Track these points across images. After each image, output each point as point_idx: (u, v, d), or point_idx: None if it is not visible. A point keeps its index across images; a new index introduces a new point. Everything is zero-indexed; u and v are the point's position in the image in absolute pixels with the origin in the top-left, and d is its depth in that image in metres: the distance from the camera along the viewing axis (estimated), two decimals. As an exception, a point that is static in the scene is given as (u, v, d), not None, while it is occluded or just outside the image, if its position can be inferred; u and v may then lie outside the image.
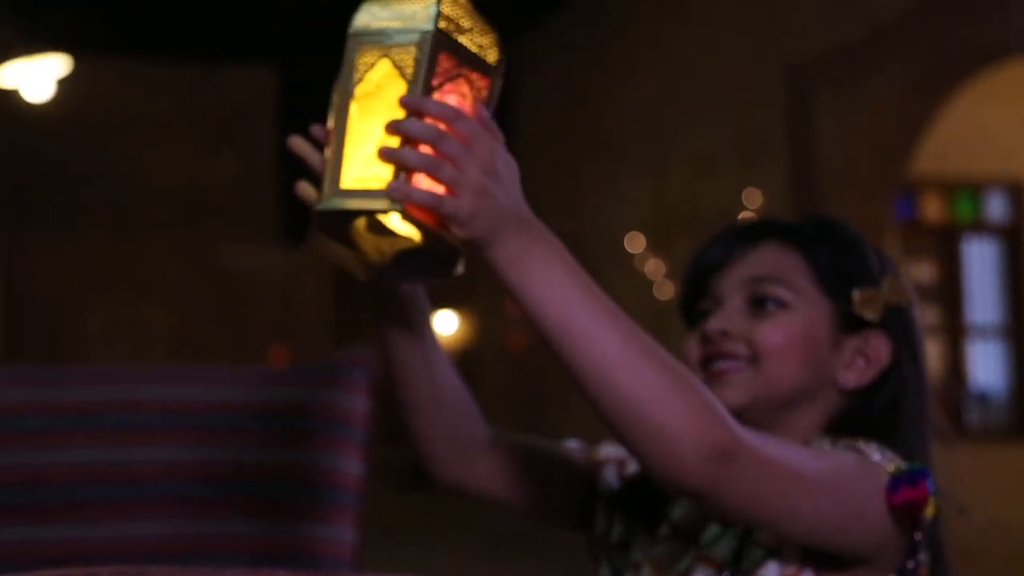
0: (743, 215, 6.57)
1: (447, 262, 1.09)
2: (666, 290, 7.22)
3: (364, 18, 1.05)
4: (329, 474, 1.55)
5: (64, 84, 6.86)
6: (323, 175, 1.06)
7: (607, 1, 8.44)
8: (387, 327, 1.23)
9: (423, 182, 1.01)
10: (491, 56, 1.08)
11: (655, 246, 7.62)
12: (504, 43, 1.09)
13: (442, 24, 1.03)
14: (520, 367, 9.64)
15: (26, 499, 1.47)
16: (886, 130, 5.94)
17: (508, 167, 1.05)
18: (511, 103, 8.85)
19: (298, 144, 1.11)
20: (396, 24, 1.03)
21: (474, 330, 12.07)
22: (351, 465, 1.57)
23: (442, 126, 1.02)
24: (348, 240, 1.09)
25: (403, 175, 1.01)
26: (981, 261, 7.77)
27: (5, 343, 9.14)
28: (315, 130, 1.09)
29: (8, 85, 6.67)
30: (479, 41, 1.07)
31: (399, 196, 1.00)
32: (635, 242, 7.77)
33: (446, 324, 13.26)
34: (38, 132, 9.64)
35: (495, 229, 1.03)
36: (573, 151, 8.90)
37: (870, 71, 5.83)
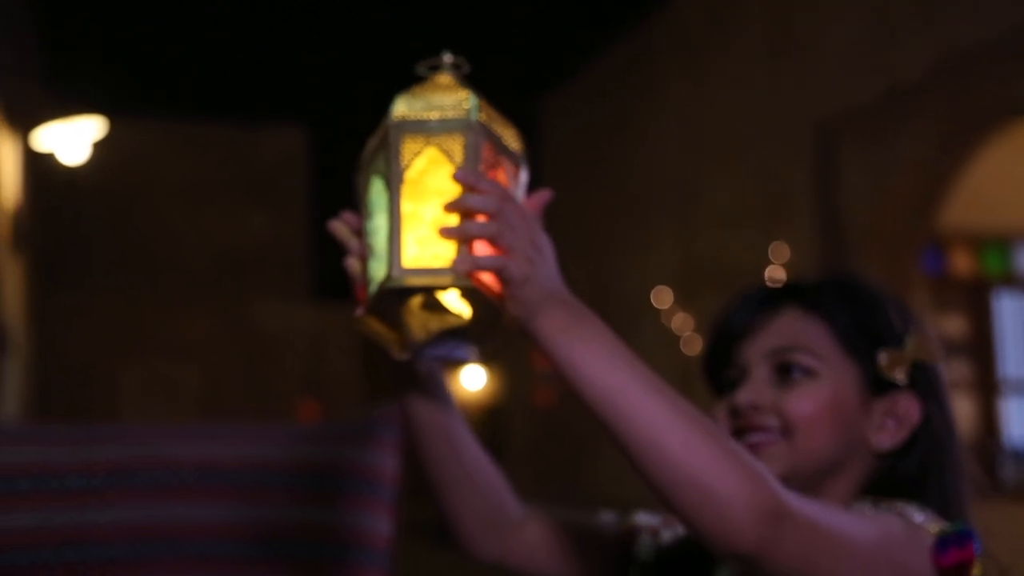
0: (770, 270, 6.57)
1: (484, 341, 1.14)
2: (693, 345, 7.21)
3: (403, 109, 1.11)
4: (359, 533, 1.57)
5: (98, 145, 6.98)
6: (374, 256, 1.12)
7: (631, 57, 8.52)
8: (410, 403, 1.26)
9: (482, 252, 1.07)
10: (518, 148, 1.15)
11: (682, 301, 7.62)
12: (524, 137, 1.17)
13: (481, 116, 1.10)
14: (549, 422, 9.62)
15: (65, 558, 1.49)
16: (913, 184, 5.94)
17: (548, 246, 1.11)
18: (537, 159, 8.91)
19: (339, 228, 1.16)
20: (438, 115, 1.10)
21: (502, 386, 12.07)
22: (381, 524, 1.58)
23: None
24: (395, 319, 1.13)
25: (464, 249, 1.07)
26: (1012, 315, 7.72)
27: (39, 403, 9.21)
28: (348, 216, 1.15)
29: (44, 148, 6.79)
30: (508, 134, 1.14)
31: (463, 268, 1.05)
32: (662, 297, 7.78)
33: (474, 380, 13.25)
34: (72, 192, 9.77)
35: (542, 300, 1.08)
36: (599, 207, 8.94)
37: (896, 126, 5.85)
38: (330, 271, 11.56)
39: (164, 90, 9.30)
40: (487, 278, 1.07)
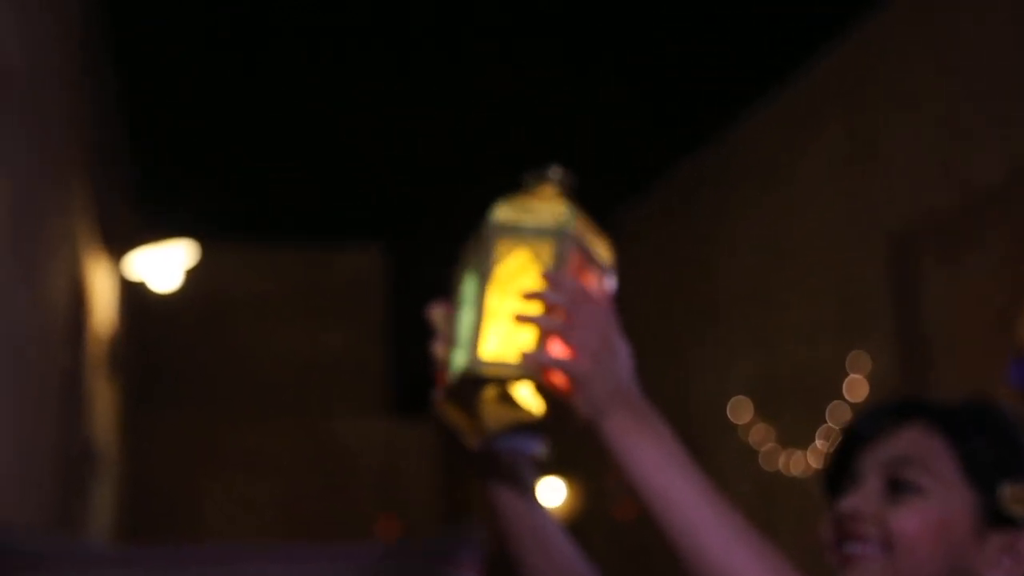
0: (850, 381, 6.51)
1: (554, 438, 1.20)
2: (772, 460, 7.12)
3: (503, 212, 1.20)
4: (439, 653, 1.57)
5: (188, 269, 7.19)
6: (457, 345, 1.19)
7: (706, 171, 8.58)
8: (494, 494, 1.29)
9: (555, 350, 1.13)
10: (607, 260, 1.24)
11: (760, 415, 7.54)
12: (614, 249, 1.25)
13: (574, 227, 1.19)
14: (627, 537, 9.51)
15: None
16: (995, 293, 5.87)
17: (624, 351, 1.16)
18: (618, 270, 8.93)
19: (434, 314, 1.22)
20: (533, 221, 1.19)
21: (580, 499, 11.96)
22: (461, 645, 1.58)
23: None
24: (471, 407, 1.19)
25: (538, 347, 1.14)
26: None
27: (128, 522, 9.31)
28: (441, 305, 1.22)
29: (137, 275, 7.01)
30: (599, 245, 1.24)
31: (533, 363, 1.11)
32: (740, 411, 7.71)
33: (552, 493, 13.15)
34: (162, 313, 9.99)
35: (608, 401, 1.13)
36: (675, 319, 8.93)
37: (975, 234, 5.81)
38: (407, 386, 11.63)
39: (246, 213, 9.54)
40: (557, 376, 1.12)
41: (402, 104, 7.25)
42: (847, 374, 6.48)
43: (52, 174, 5.18)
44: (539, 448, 1.19)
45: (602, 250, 1.22)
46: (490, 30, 6.53)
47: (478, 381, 1.14)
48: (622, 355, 1.15)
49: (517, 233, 1.16)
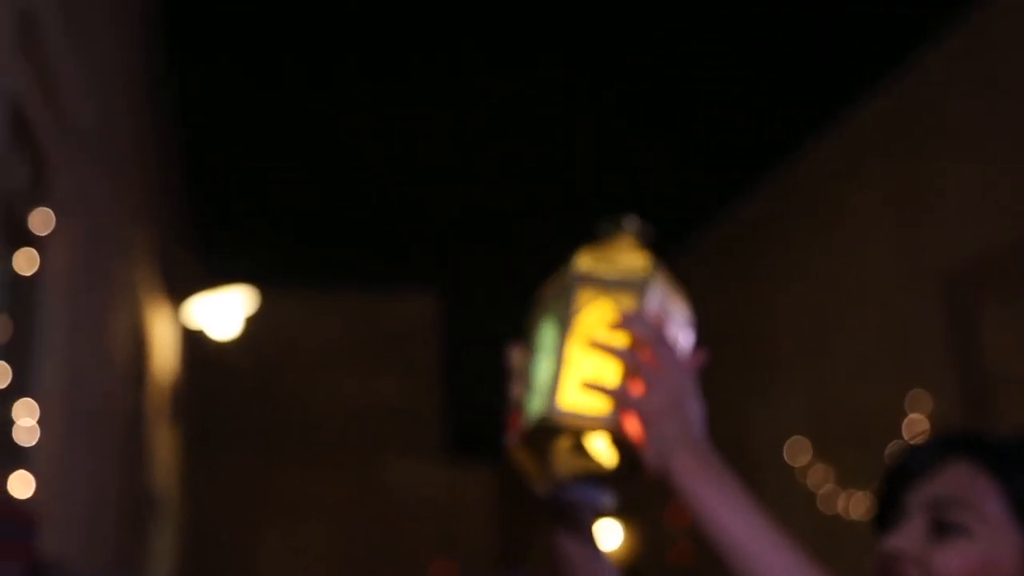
0: (909, 420, 6.45)
1: (621, 491, 1.21)
2: (831, 503, 7.06)
3: (585, 264, 1.22)
4: None
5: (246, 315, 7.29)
6: (533, 391, 1.20)
7: (760, 212, 8.58)
8: (558, 538, 1.31)
9: (633, 390, 1.16)
10: (685, 315, 1.28)
11: (818, 455, 7.49)
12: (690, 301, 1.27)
13: (656, 280, 1.22)
14: (686, 582, 9.43)
15: None
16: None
17: (694, 399, 1.19)
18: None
19: (515, 356, 1.24)
20: (616, 273, 1.21)
21: (637, 542, 11.89)
22: None
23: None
24: (543, 454, 1.20)
25: (614, 396, 1.15)
26: None
27: (188, 567, 9.38)
28: (515, 348, 1.24)
29: (197, 322, 7.12)
30: (678, 301, 1.27)
31: (611, 417, 1.13)
32: (797, 452, 7.66)
33: (610, 536, 13.07)
34: (219, 362, 10.11)
35: (677, 444, 1.15)
36: (730, 361, 8.90)
37: (1030, 272, 5.77)
38: (461, 430, 11.64)
39: (303, 260, 9.65)
40: (631, 423, 1.14)
41: (459, 153, 7.34)
42: (906, 414, 6.43)
43: (117, 224, 5.30)
44: (607, 500, 1.19)
45: (681, 305, 1.24)
46: (545, 82, 6.61)
47: (553, 430, 1.15)
48: (693, 403, 1.17)
49: (599, 283, 1.17)
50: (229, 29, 6.23)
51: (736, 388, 8.72)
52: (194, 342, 8.56)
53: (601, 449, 1.17)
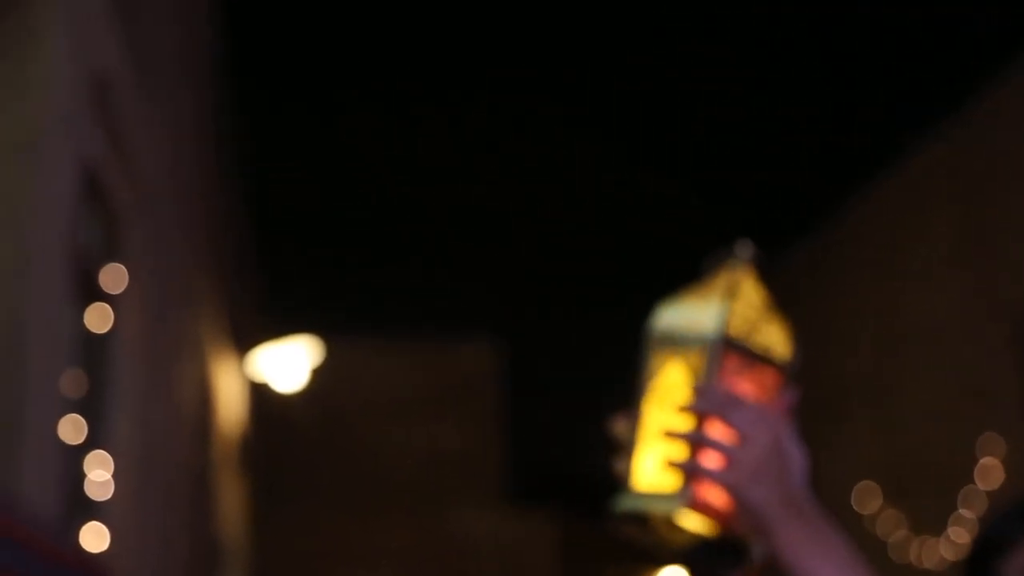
0: (981, 465, 6.34)
1: (738, 553, 1.14)
2: (903, 551, 6.93)
3: (659, 320, 1.14)
4: None
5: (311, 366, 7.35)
6: (627, 465, 1.14)
7: (821, 256, 8.51)
8: None
9: (710, 461, 1.08)
10: (781, 352, 1.17)
11: (888, 501, 7.37)
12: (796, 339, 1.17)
13: (731, 328, 1.13)
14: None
15: None
16: None
17: (795, 455, 1.11)
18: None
19: (619, 428, 1.18)
20: (687, 327, 1.13)
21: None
22: None
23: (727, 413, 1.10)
24: (647, 530, 1.15)
25: (689, 469, 1.08)
26: None
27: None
28: (618, 421, 1.17)
29: (263, 374, 7.18)
30: (769, 339, 1.16)
31: (687, 496, 1.07)
32: (865, 497, 7.54)
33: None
34: (285, 413, 10.17)
35: (776, 512, 1.08)
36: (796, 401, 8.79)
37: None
38: (524, 479, 11.58)
39: (367, 310, 9.72)
40: (713, 494, 1.08)
41: (523, 204, 7.37)
42: (978, 458, 6.31)
43: (186, 279, 5.37)
44: (742, 556, 1.12)
45: (776, 343, 1.14)
46: (600, 134, 6.64)
47: (637, 514, 1.09)
48: (792, 460, 1.10)
49: (671, 342, 1.11)
50: (295, 86, 6.33)
51: (802, 431, 8.61)
52: (260, 393, 8.63)
53: (696, 521, 1.10)
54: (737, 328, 1.13)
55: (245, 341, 7.69)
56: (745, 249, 1.17)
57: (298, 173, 7.28)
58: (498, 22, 6.00)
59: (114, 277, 3.89)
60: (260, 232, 7.91)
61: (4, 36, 2.90)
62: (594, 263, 7.33)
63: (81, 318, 3.71)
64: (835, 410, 8.28)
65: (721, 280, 1.15)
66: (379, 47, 6.20)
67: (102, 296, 3.80)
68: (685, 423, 1.11)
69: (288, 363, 7.15)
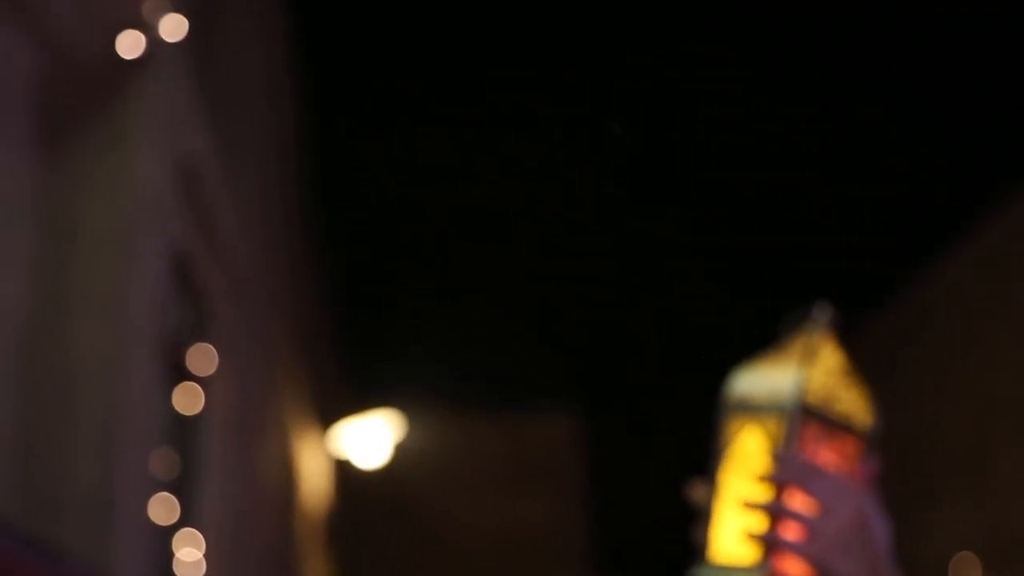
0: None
1: None
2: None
3: (736, 386, 1.14)
4: None
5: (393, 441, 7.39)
6: (705, 536, 1.14)
7: (911, 317, 8.40)
8: None
9: (790, 532, 1.08)
10: (861, 419, 1.15)
11: (988, 572, 7.17)
12: (877, 403, 1.15)
13: (809, 395, 1.13)
14: None
15: None
16: None
17: (879, 527, 1.10)
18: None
19: (698, 493, 1.17)
20: (765, 394, 1.13)
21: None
22: None
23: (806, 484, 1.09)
24: None
25: (768, 541, 1.08)
26: None
27: None
28: (696, 489, 1.16)
29: (343, 451, 7.24)
30: (849, 406, 1.14)
31: (767, 569, 1.07)
32: (964, 568, 7.35)
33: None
34: (367, 488, 10.21)
35: None
36: (887, 476, 8.63)
37: None
38: (609, 550, 11.47)
39: (448, 383, 9.78)
40: (796, 568, 1.07)
41: (600, 271, 7.40)
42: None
43: (272, 358, 5.46)
44: None
45: (857, 410, 1.13)
46: (682, 204, 6.68)
47: None
48: (875, 531, 1.08)
49: (749, 409, 1.11)
50: (376, 164, 6.45)
51: (894, 501, 8.44)
52: (343, 468, 8.70)
53: None
54: (815, 395, 1.12)
55: (328, 416, 7.77)
56: (823, 312, 1.17)
57: (379, 249, 7.40)
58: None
59: (204, 358, 3.97)
60: (342, 308, 8.02)
61: (97, 132, 3.01)
62: (675, 330, 7.30)
63: (171, 399, 3.79)
64: (929, 479, 8.12)
65: (799, 345, 1.15)
66: (468, 129, 6.32)
67: (192, 377, 3.88)
68: (764, 493, 1.11)
69: (370, 438, 7.21)
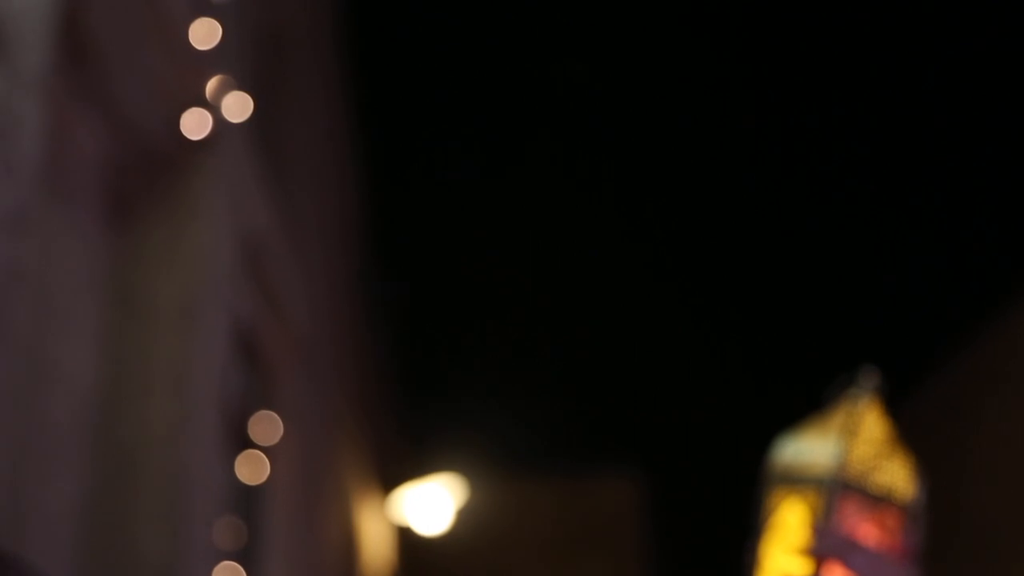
0: None
1: None
2: None
3: (779, 458, 1.16)
4: None
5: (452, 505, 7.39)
6: None
7: (963, 383, 8.29)
8: None
9: None
10: (904, 492, 1.17)
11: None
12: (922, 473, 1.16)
13: (851, 467, 1.14)
14: None
15: None
16: None
17: None
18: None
19: (745, 564, 1.19)
20: (806, 466, 1.14)
21: None
22: None
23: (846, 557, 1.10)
24: None
25: None
26: None
27: None
28: (751, 550, 1.18)
29: (405, 517, 7.25)
30: (892, 478, 1.17)
31: None
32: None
33: None
34: (429, 554, 10.20)
35: None
36: (940, 545, 8.48)
37: None
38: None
39: (509, 447, 9.79)
40: None
41: (661, 336, 7.42)
42: None
43: (334, 425, 5.51)
44: None
45: (899, 482, 1.14)
46: (734, 277, 6.70)
47: None
48: None
49: (790, 481, 1.12)
50: (433, 231, 6.53)
51: (951, 572, 8.28)
52: (404, 534, 8.70)
53: None
54: (856, 468, 1.13)
55: (389, 482, 7.80)
56: (870, 378, 1.18)
57: (439, 315, 7.46)
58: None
59: (269, 427, 4.03)
60: (403, 373, 8.08)
61: (164, 209, 3.10)
62: (734, 394, 7.27)
63: (236, 468, 3.84)
64: (985, 552, 7.96)
65: (842, 413, 1.16)
66: (528, 196, 6.40)
67: (256, 446, 3.94)
68: (804, 566, 1.12)
69: (431, 504, 7.22)
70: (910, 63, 6.04)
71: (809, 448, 1.16)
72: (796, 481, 1.15)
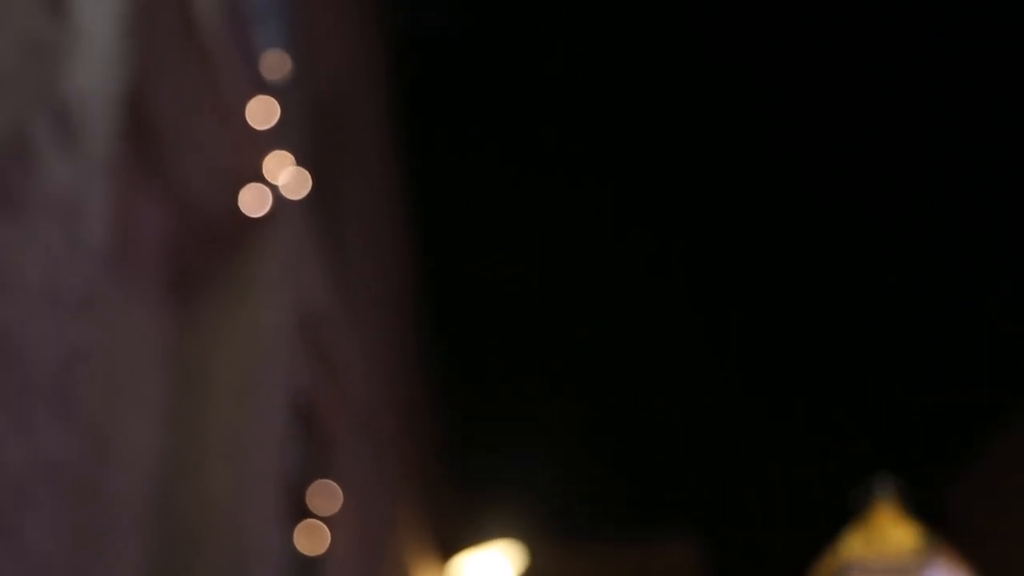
0: None
1: None
2: None
3: (851, 546, 1.19)
4: None
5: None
6: None
7: (998, 478, 8.17)
8: None
9: None
10: None
11: None
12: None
13: (927, 561, 1.15)
14: None
15: None
16: None
17: None
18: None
19: None
20: (882, 559, 1.17)
21: None
22: None
23: None
24: None
25: None
26: None
27: None
28: None
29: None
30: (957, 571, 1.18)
31: None
32: None
33: None
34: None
35: None
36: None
37: None
38: None
39: (564, 512, 9.75)
40: None
41: (720, 402, 7.40)
42: None
43: (390, 495, 5.53)
44: None
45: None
46: (788, 344, 6.68)
47: None
48: None
49: (867, 572, 1.14)
50: (486, 301, 6.58)
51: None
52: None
53: None
54: (928, 561, 1.15)
55: (448, 548, 7.79)
56: (885, 486, 1.20)
57: (496, 382, 7.50)
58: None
59: (327, 496, 4.05)
60: (460, 440, 8.11)
61: (224, 284, 3.16)
62: (793, 459, 7.22)
63: (295, 539, 3.87)
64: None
65: (891, 515, 1.18)
66: (582, 262, 6.44)
67: (315, 516, 3.96)
68: None
69: (490, 571, 7.20)
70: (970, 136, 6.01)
71: (880, 535, 1.19)
72: (871, 571, 1.18)
